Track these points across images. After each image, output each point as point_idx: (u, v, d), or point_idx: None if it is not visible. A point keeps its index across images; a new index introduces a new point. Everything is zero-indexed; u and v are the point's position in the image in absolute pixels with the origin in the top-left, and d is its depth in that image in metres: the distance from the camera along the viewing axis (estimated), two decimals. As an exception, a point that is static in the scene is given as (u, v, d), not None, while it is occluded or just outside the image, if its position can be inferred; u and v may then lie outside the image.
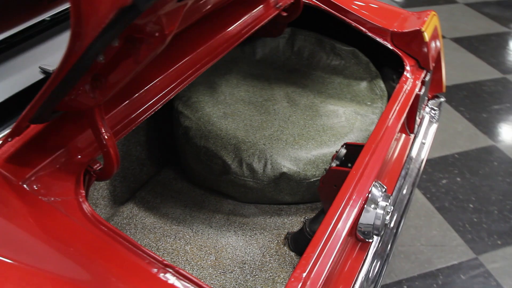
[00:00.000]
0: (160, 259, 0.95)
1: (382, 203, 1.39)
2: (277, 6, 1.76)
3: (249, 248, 1.62)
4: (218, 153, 1.69)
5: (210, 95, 1.87)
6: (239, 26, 1.62)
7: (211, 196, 1.83)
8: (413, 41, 1.80)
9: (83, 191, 1.00)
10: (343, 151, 1.42)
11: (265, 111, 1.83)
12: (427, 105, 2.12)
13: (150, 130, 2.05)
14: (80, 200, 0.99)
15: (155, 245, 1.62)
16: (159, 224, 1.70)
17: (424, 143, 1.98)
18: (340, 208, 1.20)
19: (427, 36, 1.79)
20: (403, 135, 1.86)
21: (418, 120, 1.89)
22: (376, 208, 1.38)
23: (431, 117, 2.09)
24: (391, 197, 1.42)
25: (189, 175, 1.89)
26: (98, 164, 1.10)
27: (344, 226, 1.18)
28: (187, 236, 1.65)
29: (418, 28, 1.79)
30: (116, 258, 0.92)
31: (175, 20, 0.79)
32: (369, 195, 1.38)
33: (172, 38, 1.14)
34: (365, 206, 1.37)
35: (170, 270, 0.94)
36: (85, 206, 0.98)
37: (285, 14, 1.83)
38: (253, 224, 1.71)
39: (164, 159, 2.02)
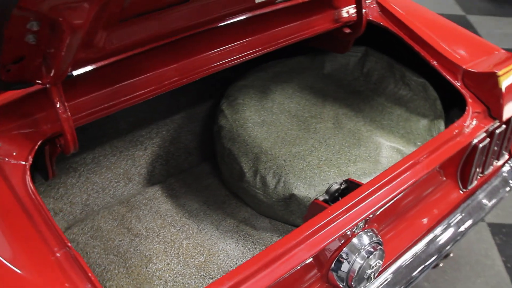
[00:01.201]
0: (65, 240, 0.98)
1: (364, 254, 1.24)
2: (337, 20, 1.66)
3: (241, 261, 1.58)
4: (238, 158, 1.66)
5: (258, 100, 1.84)
6: (281, 33, 1.56)
7: (233, 200, 1.81)
8: (485, 84, 1.56)
9: (31, 158, 1.07)
10: (336, 185, 1.29)
11: (305, 128, 1.74)
12: (507, 163, 1.82)
13: (207, 122, 2.09)
14: (26, 166, 1.07)
15: (157, 230, 1.66)
16: (171, 213, 1.73)
17: (485, 205, 1.71)
18: (290, 244, 1.09)
19: (503, 82, 1.53)
20: (452, 189, 1.63)
21: (476, 175, 1.64)
22: (356, 257, 1.24)
23: (507, 178, 1.79)
24: (380, 250, 1.27)
25: (219, 173, 1.89)
26: None
27: (289, 265, 1.08)
28: (190, 231, 1.66)
29: (493, 71, 1.54)
30: (24, 227, 0.97)
31: (82, 16, 0.80)
32: (353, 240, 1.25)
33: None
34: (344, 250, 1.24)
35: (70, 253, 0.96)
36: (27, 173, 1.05)
37: (348, 31, 1.71)
38: (259, 238, 1.66)
39: (210, 152, 2.05)
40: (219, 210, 1.77)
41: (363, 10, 1.61)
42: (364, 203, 1.21)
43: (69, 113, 1.07)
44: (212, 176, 1.93)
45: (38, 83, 1.02)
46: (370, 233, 1.28)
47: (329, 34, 1.72)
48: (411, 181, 1.33)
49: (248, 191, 1.65)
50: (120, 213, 1.73)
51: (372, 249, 1.26)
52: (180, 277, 1.51)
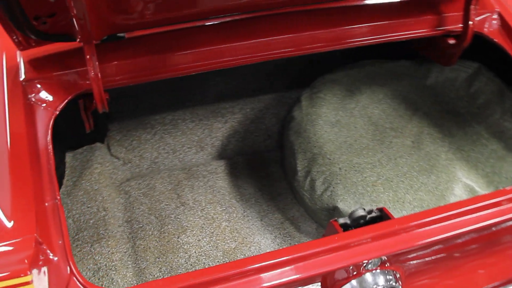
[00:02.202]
0: (57, 193, 1.02)
1: (372, 295, 1.10)
2: (440, 28, 1.44)
3: (269, 259, 1.51)
4: (296, 154, 1.57)
5: (341, 98, 1.71)
6: (366, 30, 1.41)
7: (290, 195, 1.72)
8: None
9: (60, 108, 1.14)
10: (361, 212, 1.14)
11: (379, 139, 1.58)
12: None
13: None
14: (53, 115, 1.13)
15: (204, 205, 1.66)
16: (224, 191, 1.72)
17: None
18: (274, 261, 1.00)
19: None
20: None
21: None
22: (361, 295, 1.11)
23: None
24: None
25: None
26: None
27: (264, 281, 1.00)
28: (234, 215, 1.63)
29: None
30: (27, 170, 1.03)
31: None
32: (365, 276, 1.11)
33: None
34: (352, 282, 1.11)
35: (56, 206, 1.00)
36: (51, 122, 1.12)
37: (453, 41, 1.48)
38: (298, 241, 1.57)
39: None
40: (271, 201, 1.71)
41: (470, 22, 1.37)
42: (377, 242, 1.06)
43: (99, 74, 1.10)
44: (277, 164, 1.86)
45: (74, 40, 1.06)
46: (390, 275, 1.13)
47: (432, 41, 1.51)
48: (459, 230, 1.13)
49: (298, 190, 1.57)
50: (178, 179, 1.77)
51: (380, 293, 1.11)
52: (204, 257, 1.50)
